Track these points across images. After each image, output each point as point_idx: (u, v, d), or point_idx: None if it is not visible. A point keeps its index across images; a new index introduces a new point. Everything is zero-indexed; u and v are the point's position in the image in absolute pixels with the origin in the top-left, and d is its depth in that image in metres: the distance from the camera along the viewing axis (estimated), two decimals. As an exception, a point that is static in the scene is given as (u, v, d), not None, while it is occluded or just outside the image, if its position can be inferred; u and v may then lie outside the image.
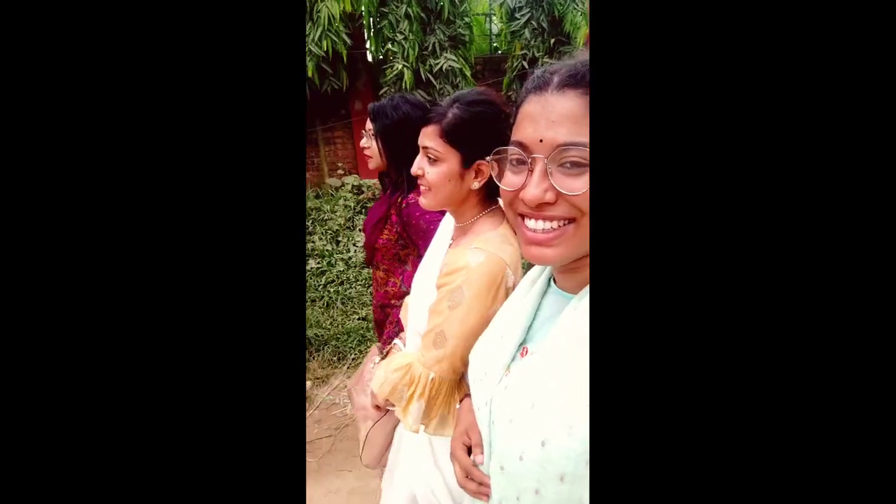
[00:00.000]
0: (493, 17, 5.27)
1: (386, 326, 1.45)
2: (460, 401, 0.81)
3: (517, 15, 4.57)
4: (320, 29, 3.95)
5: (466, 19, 4.45)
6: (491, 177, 0.77)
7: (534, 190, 0.46)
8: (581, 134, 0.44)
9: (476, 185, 0.84)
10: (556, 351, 0.50)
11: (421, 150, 0.87)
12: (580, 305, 0.51)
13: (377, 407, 1.02)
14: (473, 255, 0.79)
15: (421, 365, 0.83)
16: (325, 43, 3.97)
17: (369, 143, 1.40)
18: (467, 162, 0.83)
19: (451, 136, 0.82)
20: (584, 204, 0.45)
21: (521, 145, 0.48)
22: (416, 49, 4.22)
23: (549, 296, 0.59)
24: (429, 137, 0.84)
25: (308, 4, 3.95)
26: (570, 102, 0.45)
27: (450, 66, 4.29)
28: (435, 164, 0.84)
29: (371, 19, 4.28)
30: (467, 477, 0.62)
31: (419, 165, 0.87)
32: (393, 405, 0.90)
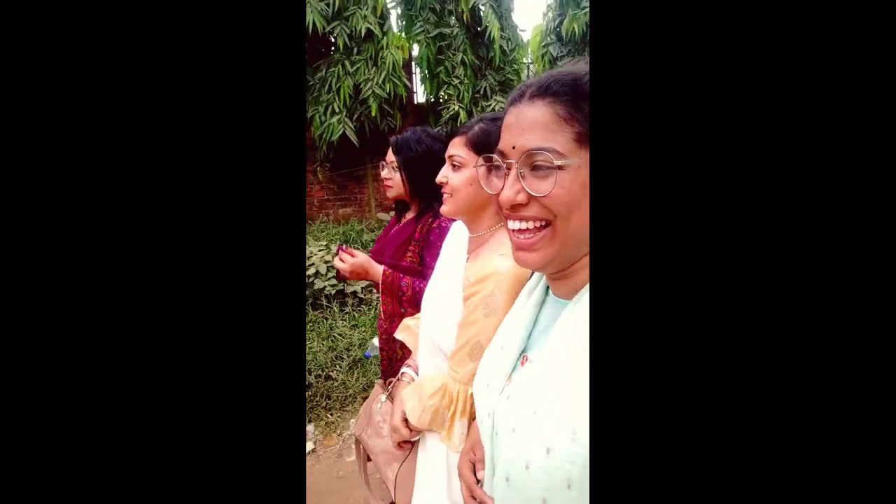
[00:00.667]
0: (532, 66, 5.63)
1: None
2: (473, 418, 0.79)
3: (559, 63, 4.90)
4: (384, 73, 4.24)
5: (515, 66, 4.77)
6: None
7: (507, 192, 0.50)
8: (548, 140, 0.48)
9: None
10: (553, 357, 0.51)
11: (447, 159, 0.92)
12: (575, 310, 0.52)
13: (401, 445, 0.98)
14: (501, 260, 0.80)
15: (456, 382, 0.83)
16: (388, 86, 4.25)
17: (392, 175, 1.42)
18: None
19: (475, 144, 0.88)
20: (554, 206, 0.49)
21: (500, 153, 0.52)
22: (470, 92, 4.50)
23: (546, 304, 0.61)
24: (455, 146, 0.91)
25: (374, 51, 4.26)
26: (539, 111, 0.49)
27: (500, 107, 4.56)
28: (458, 171, 0.89)
29: (427, 65, 4.59)
30: (473, 497, 0.61)
31: (443, 174, 0.92)
32: (419, 433, 0.88)
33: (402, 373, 1.06)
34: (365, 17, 4.17)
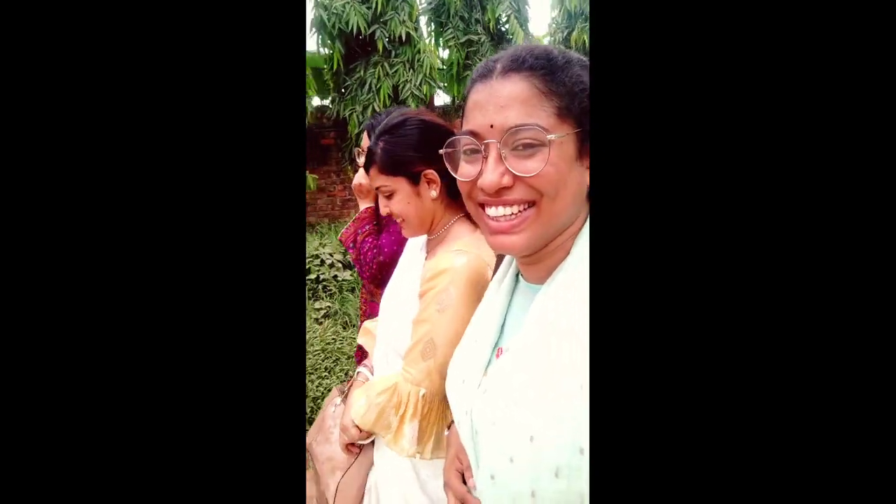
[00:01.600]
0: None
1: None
2: (448, 426, 0.75)
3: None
4: (421, 75, 4.45)
5: (534, 73, 5.15)
6: (445, 182, 0.85)
7: (490, 175, 0.46)
8: (529, 115, 0.45)
9: (434, 193, 0.87)
10: (529, 344, 0.49)
11: (377, 191, 0.92)
12: (549, 292, 0.50)
13: (349, 447, 0.94)
14: (456, 256, 0.79)
15: (408, 383, 0.80)
16: (424, 88, 4.46)
17: None
18: (415, 179, 0.87)
19: (388, 168, 0.87)
20: (542, 185, 0.45)
21: (472, 133, 0.48)
22: (498, 95, 4.81)
23: (518, 292, 0.58)
24: (374, 179, 0.90)
25: (411, 54, 4.46)
26: (516, 86, 0.45)
27: (525, 110, 4.91)
28: (392, 197, 0.88)
29: (456, 69, 4.85)
30: None
31: (384, 206, 0.91)
32: (372, 436, 0.84)
33: (358, 372, 1.03)
34: (403, 21, 4.36)
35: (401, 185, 0.87)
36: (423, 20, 4.79)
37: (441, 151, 0.53)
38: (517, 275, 0.59)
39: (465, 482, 0.59)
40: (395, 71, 4.44)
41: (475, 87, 0.49)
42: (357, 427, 0.86)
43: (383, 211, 0.92)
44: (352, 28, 4.19)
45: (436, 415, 0.80)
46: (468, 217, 0.88)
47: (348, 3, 4.20)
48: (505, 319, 0.58)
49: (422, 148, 0.84)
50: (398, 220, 0.91)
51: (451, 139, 0.52)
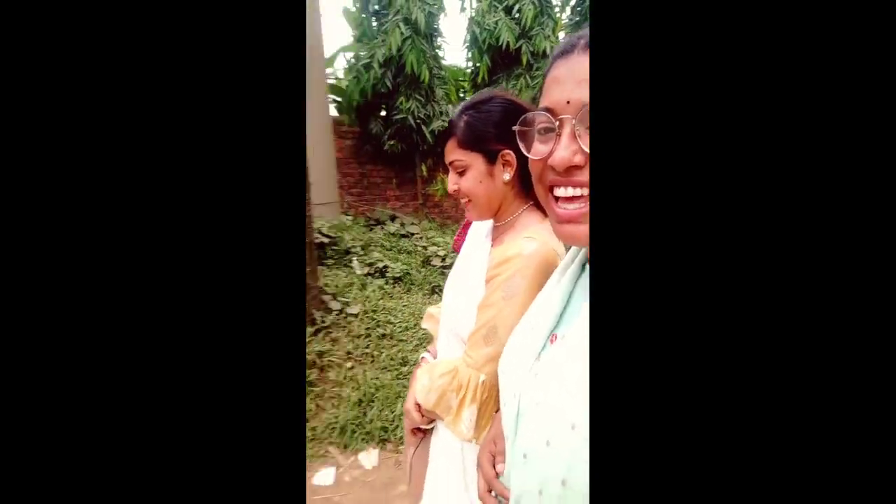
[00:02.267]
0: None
1: None
2: (496, 410, 0.76)
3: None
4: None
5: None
6: (519, 168, 0.83)
7: (562, 152, 0.45)
8: None
9: (507, 176, 0.85)
10: (586, 333, 0.48)
11: (449, 167, 0.89)
12: None
13: (413, 432, 0.95)
14: (526, 243, 0.78)
15: (468, 367, 0.80)
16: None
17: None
18: (491, 158, 0.85)
19: (467, 142, 0.84)
20: None
21: (548, 110, 0.46)
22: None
23: (582, 281, 0.57)
24: (450, 152, 0.87)
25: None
26: None
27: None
28: (464, 174, 0.86)
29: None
30: (489, 491, 0.58)
31: (453, 182, 0.88)
32: (439, 417, 0.84)
33: (422, 357, 1.03)
34: (548, 36, 4.63)
35: (476, 161, 0.85)
36: (561, 35, 5.03)
37: (514, 128, 0.51)
38: (584, 264, 0.58)
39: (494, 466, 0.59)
40: (536, 83, 4.70)
41: (556, 63, 0.47)
42: (419, 411, 0.87)
43: (451, 188, 0.90)
44: (502, 43, 4.52)
45: (495, 402, 0.79)
46: (538, 206, 0.88)
47: (500, 19, 4.54)
48: (566, 307, 0.57)
49: (503, 126, 0.82)
50: (464, 201, 0.89)
51: (525, 116, 0.50)
